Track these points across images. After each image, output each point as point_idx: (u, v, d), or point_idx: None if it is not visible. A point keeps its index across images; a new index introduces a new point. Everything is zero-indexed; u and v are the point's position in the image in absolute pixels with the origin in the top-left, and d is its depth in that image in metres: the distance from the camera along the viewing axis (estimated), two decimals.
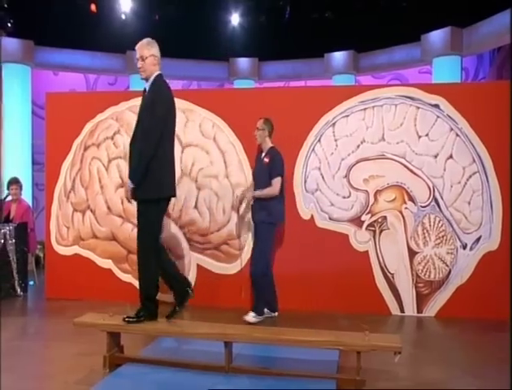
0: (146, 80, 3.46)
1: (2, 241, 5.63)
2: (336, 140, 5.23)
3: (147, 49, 3.45)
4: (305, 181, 5.26)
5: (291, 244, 5.19)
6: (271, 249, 4.77)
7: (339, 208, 5.20)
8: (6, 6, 8.35)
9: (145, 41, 3.52)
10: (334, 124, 5.23)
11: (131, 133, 5.47)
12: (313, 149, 5.26)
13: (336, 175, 5.22)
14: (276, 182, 4.68)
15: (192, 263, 5.36)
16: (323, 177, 5.24)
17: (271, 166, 4.70)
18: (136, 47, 3.52)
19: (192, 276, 5.33)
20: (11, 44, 8.39)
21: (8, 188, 6.47)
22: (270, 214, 4.69)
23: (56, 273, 5.67)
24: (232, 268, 5.29)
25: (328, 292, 5.12)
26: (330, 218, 5.21)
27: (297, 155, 5.26)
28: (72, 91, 8.74)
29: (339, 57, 9.91)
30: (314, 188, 5.24)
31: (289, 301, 5.08)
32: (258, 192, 4.69)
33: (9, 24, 8.61)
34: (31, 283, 6.29)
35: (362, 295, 5.04)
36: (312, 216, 5.23)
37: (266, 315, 4.76)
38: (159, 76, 3.46)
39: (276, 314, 4.84)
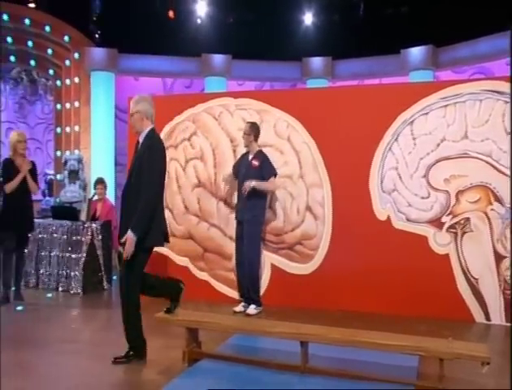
0: (139, 133, 3.62)
1: (90, 238, 6.01)
2: (414, 139, 5.05)
3: (133, 106, 3.66)
4: (382, 181, 5.12)
5: (366, 246, 5.08)
6: (260, 246, 5.11)
7: (417, 209, 5.01)
8: (94, 19, 8.95)
9: (135, 97, 3.70)
10: (412, 123, 5.05)
11: (207, 135, 5.73)
12: (389, 149, 5.11)
13: (414, 174, 5.03)
14: (272, 181, 4.97)
15: (266, 263, 5.40)
16: (400, 177, 5.08)
17: (262, 168, 4.92)
18: None
19: (266, 275, 5.37)
20: (98, 53, 8.97)
21: (95, 188, 6.91)
22: (257, 214, 4.94)
23: None
24: (307, 268, 5.27)
25: (405, 295, 4.94)
26: (407, 219, 5.03)
27: (372, 155, 5.14)
28: (151, 95, 9.14)
29: (416, 52, 9.53)
30: (391, 189, 5.09)
31: (365, 303, 4.98)
32: (259, 183, 4.84)
33: (97, 36, 9.21)
34: (114, 277, 6.66)
35: (442, 300, 4.81)
36: (388, 217, 5.08)
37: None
38: (151, 131, 3.60)
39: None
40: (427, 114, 5.00)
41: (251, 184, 4.82)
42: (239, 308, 5.00)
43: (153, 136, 3.60)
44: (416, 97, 5.03)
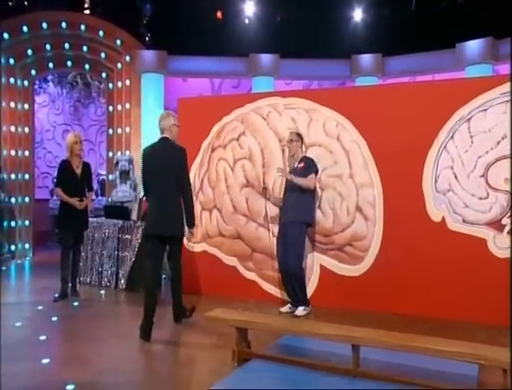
0: None
1: (141, 237, 6.13)
2: (471, 137, 4.82)
3: None
4: (436, 181, 4.92)
5: (419, 247, 4.90)
6: (303, 247, 4.98)
7: (474, 210, 4.78)
8: (145, 22, 9.17)
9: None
10: (469, 120, 4.82)
11: (256, 134, 5.74)
12: (445, 147, 4.91)
13: (471, 174, 4.81)
14: (311, 178, 4.88)
15: (315, 263, 5.32)
16: (456, 176, 4.87)
17: (305, 168, 4.92)
18: None
19: (314, 277, 5.30)
20: (148, 55, 9.17)
21: None
22: (301, 214, 4.89)
23: (186, 268, 6.01)
24: (357, 270, 5.15)
25: (462, 299, 4.72)
26: (464, 221, 4.81)
27: (426, 154, 4.95)
28: (200, 95, 9.25)
29: (473, 46, 9.09)
30: (446, 189, 4.89)
31: (417, 307, 4.81)
32: (293, 176, 4.84)
33: (147, 38, 9.43)
34: (163, 276, 6.77)
35: (503, 306, 4.52)
36: (443, 218, 4.88)
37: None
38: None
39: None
40: (486, 110, 4.76)
41: (289, 176, 4.89)
42: (285, 309, 4.97)
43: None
44: (474, 93, 4.80)
